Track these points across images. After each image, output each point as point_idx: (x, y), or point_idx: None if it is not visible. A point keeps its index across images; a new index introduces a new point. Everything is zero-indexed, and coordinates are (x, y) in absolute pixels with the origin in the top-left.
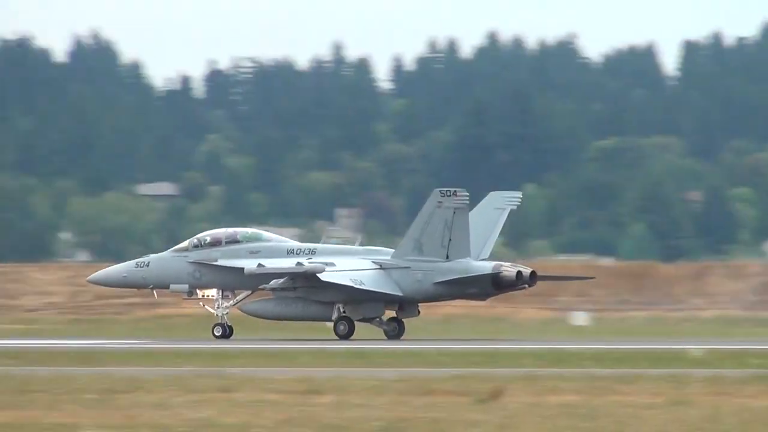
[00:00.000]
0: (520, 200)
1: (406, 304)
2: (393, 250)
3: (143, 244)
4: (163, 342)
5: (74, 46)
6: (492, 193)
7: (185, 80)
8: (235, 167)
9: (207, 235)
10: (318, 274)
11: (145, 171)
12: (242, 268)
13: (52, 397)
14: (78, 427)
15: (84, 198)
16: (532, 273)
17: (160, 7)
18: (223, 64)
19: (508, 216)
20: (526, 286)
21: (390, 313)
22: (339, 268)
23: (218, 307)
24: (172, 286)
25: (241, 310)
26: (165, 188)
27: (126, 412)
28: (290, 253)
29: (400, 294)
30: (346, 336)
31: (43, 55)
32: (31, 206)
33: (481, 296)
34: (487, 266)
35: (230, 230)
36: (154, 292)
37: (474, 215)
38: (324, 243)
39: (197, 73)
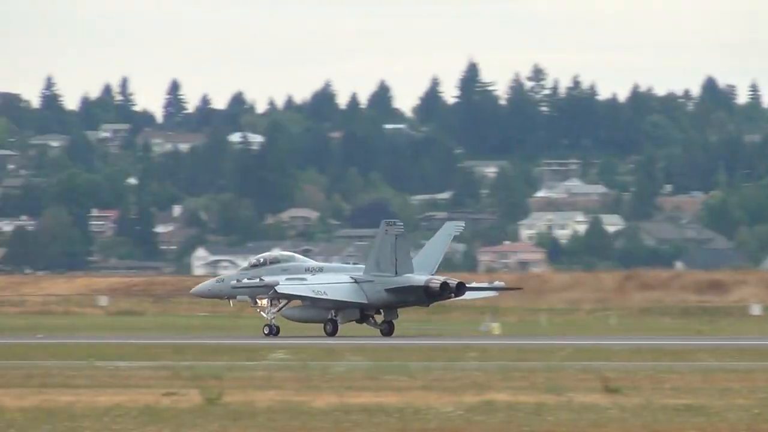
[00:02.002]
0: (463, 227)
1: (385, 310)
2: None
3: None
4: None
5: None
6: (447, 223)
7: None
8: None
9: (261, 257)
10: (275, 287)
11: None
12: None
13: None
14: None
15: None
16: (459, 284)
17: None
18: None
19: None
20: (452, 295)
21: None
22: (311, 282)
23: (268, 313)
24: (238, 297)
25: (282, 315)
26: None
27: None
28: (306, 270)
29: (366, 301)
30: (332, 334)
31: None
32: None
33: (420, 303)
34: (421, 279)
35: (275, 253)
36: (230, 301)
37: (433, 240)
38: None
39: None
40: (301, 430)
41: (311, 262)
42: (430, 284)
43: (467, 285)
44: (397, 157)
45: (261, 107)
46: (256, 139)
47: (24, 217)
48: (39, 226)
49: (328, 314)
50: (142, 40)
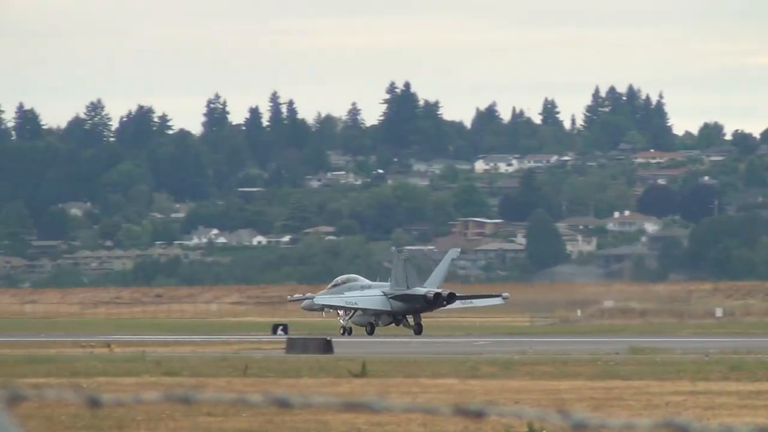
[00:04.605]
0: (459, 252)
1: (413, 314)
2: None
3: None
4: None
5: None
6: (451, 249)
7: None
8: None
9: (339, 278)
10: (314, 299)
11: None
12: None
13: None
14: None
15: None
16: (450, 294)
17: None
18: None
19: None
20: (445, 303)
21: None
22: (347, 295)
23: (343, 319)
24: (325, 309)
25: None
26: None
27: None
28: (361, 287)
29: (390, 309)
30: (370, 333)
31: None
32: None
33: (424, 310)
34: (422, 290)
35: (346, 276)
36: (323, 313)
37: (440, 263)
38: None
39: None
40: None
41: (366, 282)
42: (427, 294)
43: (457, 295)
44: None
45: None
46: None
47: None
48: None
49: (371, 319)
50: None
